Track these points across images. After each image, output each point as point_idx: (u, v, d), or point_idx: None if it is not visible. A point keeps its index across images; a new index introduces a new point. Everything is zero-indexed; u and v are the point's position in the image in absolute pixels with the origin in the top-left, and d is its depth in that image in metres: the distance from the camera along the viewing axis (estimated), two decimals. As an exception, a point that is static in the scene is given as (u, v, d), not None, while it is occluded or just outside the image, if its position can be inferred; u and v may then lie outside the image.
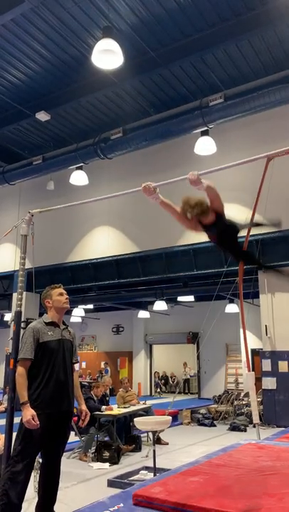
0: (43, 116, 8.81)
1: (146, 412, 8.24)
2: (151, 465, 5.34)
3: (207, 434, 9.39)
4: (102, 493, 4.40)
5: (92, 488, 5.42)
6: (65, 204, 5.01)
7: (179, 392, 16.68)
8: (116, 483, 5.28)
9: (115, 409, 7.61)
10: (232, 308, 14.26)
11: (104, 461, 6.59)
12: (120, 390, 8.92)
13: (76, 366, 3.68)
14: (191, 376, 18.79)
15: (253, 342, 13.07)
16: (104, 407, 7.36)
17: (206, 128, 8.44)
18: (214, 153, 8.96)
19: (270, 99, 7.40)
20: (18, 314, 4.09)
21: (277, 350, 9.89)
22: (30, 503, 4.10)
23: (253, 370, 7.70)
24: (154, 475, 5.00)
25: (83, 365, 20.43)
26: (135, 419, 5.70)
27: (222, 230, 3.53)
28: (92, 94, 8.58)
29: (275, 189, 8.04)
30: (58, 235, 11.83)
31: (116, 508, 3.33)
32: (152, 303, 15.71)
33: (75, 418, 7.11)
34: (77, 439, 7.15)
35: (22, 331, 3.75)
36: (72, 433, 6.97)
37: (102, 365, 19.83)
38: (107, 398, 8.10)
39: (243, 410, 10.91)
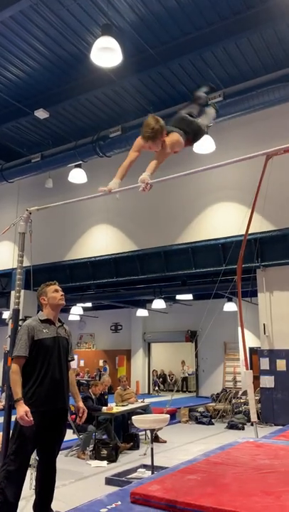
0: (41, 113, 8.78)
1: (145, 410, 8.25)
2: (149, 463, 5.35)
3: (205, 433, 9.41)
4: (100, 491, 4.41)
5: (90, 485, 5.42)
6: (64, 201, 4.99)
7: (177, 391, 16.69)
8: (114, 481, 5.29)
9: (113, 408, 7.61)
10: (230, 306, 14.27)
11: (102, 459, 6.60)
12: (118, 388, 8.93)
13: (73, 363, 3.68)
14: (189, 374, 18.80)
15: (251, 340, 13.09)
16: (104, 408, 7.36)
17: (205, 126, 8.43)
18: (213, 152, 8.96)
19: (269, 97, 7.41)
20: (16, 312, 4.08)
21: (276, 348, 9.91)
22: (28, 501, 4.10)
23: (251, 368, 7.69)
24: (152, 473, 5.00)
25: (81, 363, 20.45)
26: (133, 418, 5.70)
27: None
28: (91, 92, 8.56)
29: (274, 188, 8.05)
30: (56, 233, 11.83)
31: (114, 505, 3.33)
32: (151, 301, 15.71)
33: (73, 416, 7.16)
34: (75, 437, 7.16)
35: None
36: (70, 431, 6.99)
37: (101, 364, 19.84)
38: (106, 397, 8.10)
39: (241, 408, 10.93)
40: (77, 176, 10.53)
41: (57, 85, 8.51)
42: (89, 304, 17.15)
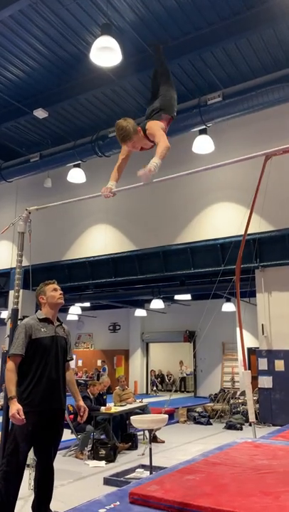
0: (40, 113, 8.77)
1: (143, 410, 8.25)
2: (148, 463, 5.34)
3: (203, 433, 9.41)
4: (99, 491, 4.41)
5: (89, 486, 5.41)
6: (63, 201, 4.99)
7: (176, 391, 16.70)
8: (112, 481, 5.28)
9: (112, 408, 7.61)
10: (229, 307, 14.28)
11: (100, 459, 6.59)
12: (117, 388, 8.92)
13: (71, 363, 3.66)
14: (187, 374, 18.80)
15: (250, 341, 13.09)
16: (103, 408, 7.35)
17: (204, 126, 8.43)
18: (212, 152, 8.97)
19: (268, 98, 7.41)
20: (15, 312, 4.08)
21: (274, 349, 9.92)
22: (26, 501, 4.10)
23: (249, 368, 7.70)
24: (151, 473, 5.00)
25: (79, 363, 20.43)
26: (132, 418, 5.70)
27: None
28: (91, 92, 8.55)
29: (273, 188, 8.06)
30: (55, 233, 11.82)
31: (112, 506, 3.33)
32: (149, 301, 15.71)
33: (71, 416, 7.16)
34: (73, 437, 7.15)
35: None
36: (68, 431, 6.99)
37: (99, 364, 19.83)
38: (105, 397, 8.09)
39: (239, 409, 10.93)
40: (76, 175, 10.51)
41: (56, 85, 8.50)
42: (87, 304, 17.15)
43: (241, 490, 3.48)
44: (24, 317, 3.83)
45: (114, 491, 3.89)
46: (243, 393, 11.35)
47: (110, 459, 6.61)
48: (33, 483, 3.56)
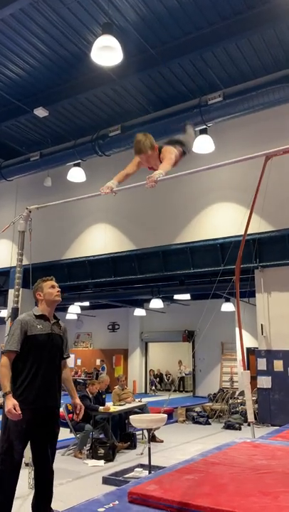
0: (41, 112, 8.76)
1: (142, 409, 8.25)
2: (147, 463, 5.35)
3: (202, 432, 9.42)
4: (97, 491, 4.41)
5: (87, 485, 5.41)
6: (63, 200, 4.98)
7: (174, 390, 16.71)
8: (111, 481, 5.28)
9: (111, 407, 7.61)
10: (228, 307, 14.27)
11: (99, 458, 6.59)
12: (116, 387, 8.92)
13: (70, 362, 3.63)
14: (186, 374, 18.82)
15: (249, 341, 13.10)
16: (101, 407, 7.35)
17: (204, 126, 8.44)
18: (212, 152, 8.96)
19: (269, 98, 7.41)
20: (15, 311, 4.08)
21: (273, 349, 9.93)
22: (25, 500, 4.10)
23: (248, 368, 7.70)
24: (149, 472, 5.00)
25: (78, 362, 20.43)
26: (131, 417, 5.70)
27: None
28: (91, 91, 8.55)
29: (273, 188, 8.06)
30: (55, 232, 11.81)
31: (111, 505, 3.33)
32: (148, 301, 15.70)
33: (70, 415, 7.15)
34: (72, 436, 7.15)
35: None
36: (67, 430, 6.99)
37: (98, 363, 19.83)
38: (104, 396, 8.09)
39: (237, 409, 10.94)
40: (76, 174, 10.51)
41: (57, 84, 8.49)
42: (86, 303, 17.14)
43: (240, 490, 3.48)
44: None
45: (113, 490, 3.89)
46: (241, 393, 11.35)
47: (109, 458, 6.61)
48: (32, 482, 3.54)
